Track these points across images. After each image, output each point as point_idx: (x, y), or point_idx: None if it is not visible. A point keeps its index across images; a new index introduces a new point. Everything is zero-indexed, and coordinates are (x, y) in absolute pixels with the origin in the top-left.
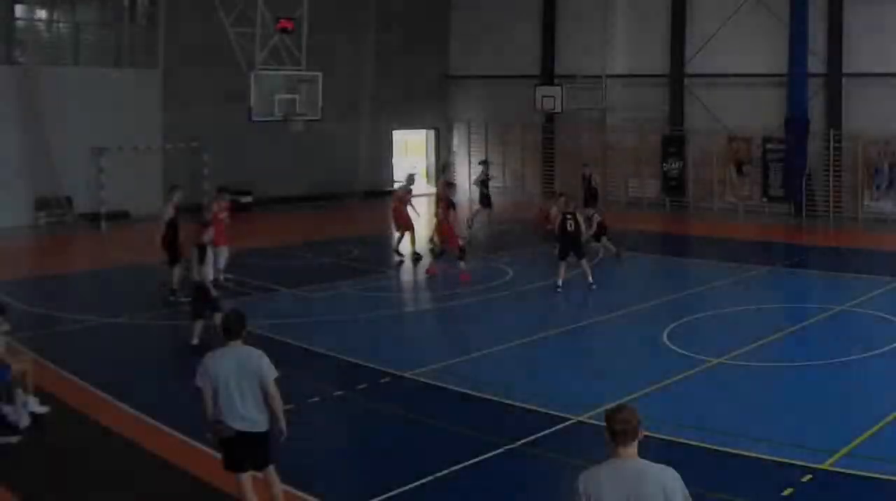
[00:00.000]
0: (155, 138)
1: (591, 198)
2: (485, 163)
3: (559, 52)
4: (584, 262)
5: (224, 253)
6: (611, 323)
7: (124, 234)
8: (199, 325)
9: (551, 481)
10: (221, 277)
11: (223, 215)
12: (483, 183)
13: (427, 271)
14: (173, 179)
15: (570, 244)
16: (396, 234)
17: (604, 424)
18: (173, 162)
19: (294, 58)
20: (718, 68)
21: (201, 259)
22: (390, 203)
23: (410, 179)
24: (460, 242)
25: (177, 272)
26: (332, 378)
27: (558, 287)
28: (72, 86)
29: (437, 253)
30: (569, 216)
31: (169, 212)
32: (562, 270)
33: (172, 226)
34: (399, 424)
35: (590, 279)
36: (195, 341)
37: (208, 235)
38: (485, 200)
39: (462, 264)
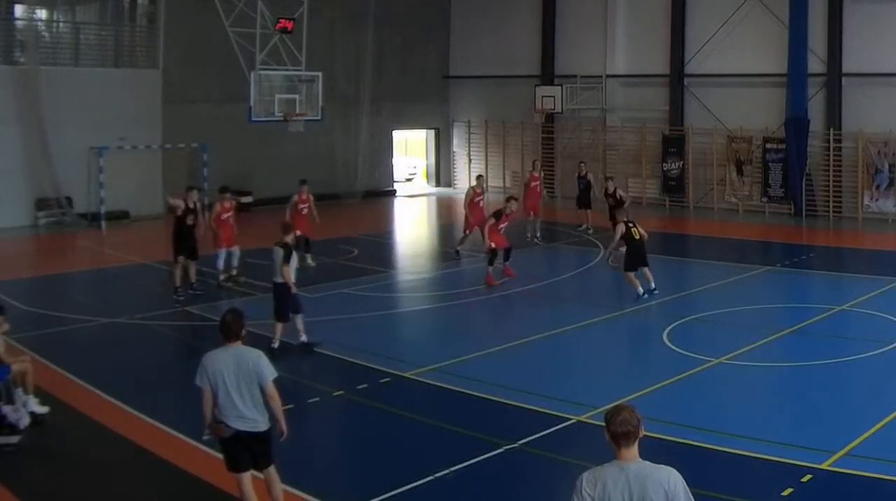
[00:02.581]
0: (155, 138)
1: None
2: (583, 163)
3: (559, 52)
4: (647, 270)
5: (235, 254)
6: (611, 322)
7: (124, 234)
8: (280, 327)
9: (551, 481)
10: (221, 277)
11: (226, 216)
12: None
13: (506, 272)
14: (173, 179)
15: (640, 253)
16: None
17: (604, 424)
18: (173, 162)
19: (294, 58)
20: (718, 68)
21: (286, 259)
22: (465, 200)
23: (479, 179)
24: (499, 244)
25: (178, 270)
26: (332, 378)
27: (640, 295)
28: (72, 86)
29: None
30: (632, 224)
31: (180, 206)
32: (634, 279)
33: (180, 224)
34: (399, 424)
35: (652, 284)
36: (276, 344)
37: (290, 236)
38: (581, 200)
39: (490, 269)
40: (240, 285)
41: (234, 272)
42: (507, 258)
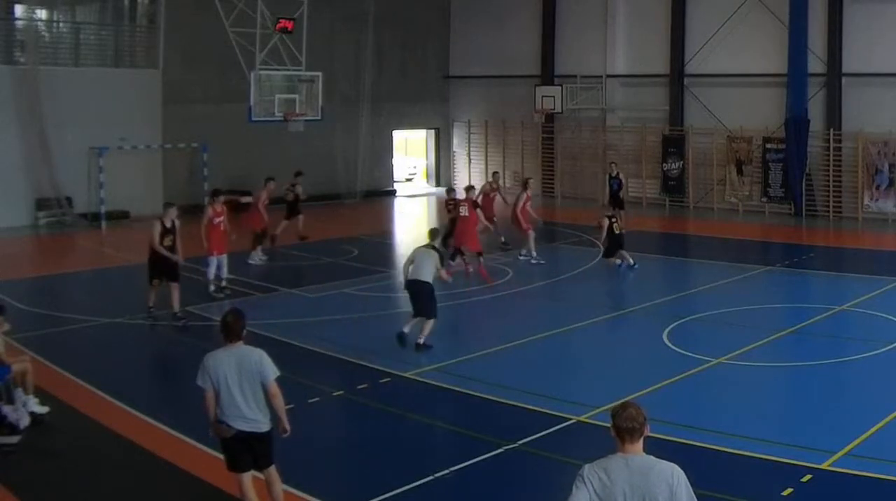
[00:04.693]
0: (155, 138)
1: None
2: (613, 163)
3: (559, 52)
4: (625, 252)
5: (224, 263)
6: (611, 322)
7: (124, 234)
8: (431, 324)
9: (551, 481)
10: (212, 288)
11: (218, 220)
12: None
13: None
14: (173, 179)
15: (618, 243)
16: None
17: (604, 424)
18: (173, 162)
19: (294, 58)
20: (718, 68)
21: (442, 262)
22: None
23: (495, 175)
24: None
25: (152, 292)
26: (332, 378)
27: (618, 265)
28: (72, 86)
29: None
30: (614, 219)
31: (157, 229)
32: (617, 261)
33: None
34: (399, 424)
35: (630, 260)
36: (422, 340)
37: (437, 240)
38: (613, 201)
39: (452, 264)
40: (226, 295)
41: (223, 284)
42: (461, 254)
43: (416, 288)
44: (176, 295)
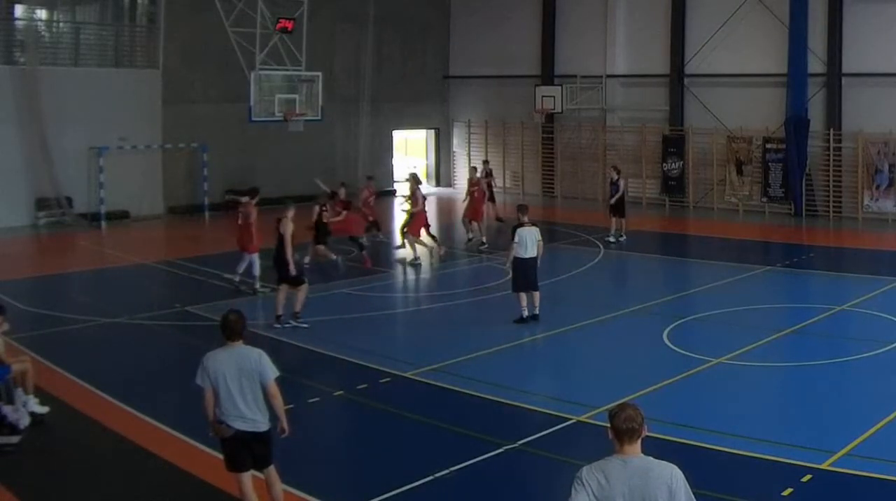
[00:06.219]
0: (155, 138)
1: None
2: (614, 168)
3: (559, 52)
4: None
5: (256, 261)
6: (611, 323)
7: (124, 234)
8: (522, 297)
9: (551, 481)
10: (238, 277)
11: (253, 219)
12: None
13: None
14: (173, 179)
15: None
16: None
17: (604, 424)
18: (173, 162)
19: (294, 58)
20: (718, 68)
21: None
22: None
23: (473, 170)
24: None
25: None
26: (332, 378)
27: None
28: (72, 86)
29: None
30: (324, 208)
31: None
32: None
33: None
34: (399, 424)
35: (333, 256)
36: (526, 313)
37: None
38: (615, 208)
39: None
40: (255, 293)
41: (258, 285)
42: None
43: (527, 264)
44: (302, 294)
